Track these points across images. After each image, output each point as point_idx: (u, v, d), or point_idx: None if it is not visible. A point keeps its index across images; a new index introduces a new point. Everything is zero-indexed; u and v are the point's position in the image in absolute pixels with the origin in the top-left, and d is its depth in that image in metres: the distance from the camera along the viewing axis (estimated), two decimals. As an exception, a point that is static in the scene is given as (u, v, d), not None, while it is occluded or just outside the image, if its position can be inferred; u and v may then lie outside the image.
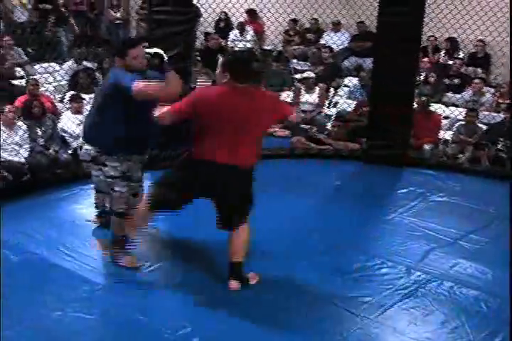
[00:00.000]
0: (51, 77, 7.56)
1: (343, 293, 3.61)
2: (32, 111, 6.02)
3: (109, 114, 3.60)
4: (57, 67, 7.88)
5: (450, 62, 8.56)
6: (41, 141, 5.98)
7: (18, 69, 8.22)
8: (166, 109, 3.36)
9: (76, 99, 6.42)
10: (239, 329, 3.30)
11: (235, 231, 3.58)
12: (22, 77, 8.05)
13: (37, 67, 8.20)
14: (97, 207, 4.28)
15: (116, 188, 3.73)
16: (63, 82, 7.74)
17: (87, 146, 3.82)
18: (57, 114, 6.53)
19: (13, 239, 4.20)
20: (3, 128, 5.68)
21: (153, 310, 3.47)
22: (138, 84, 3.35)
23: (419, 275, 3.82)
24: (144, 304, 3.52)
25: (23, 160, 5.64)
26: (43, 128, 6.03)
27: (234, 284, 3.62)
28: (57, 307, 3.45)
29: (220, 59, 3.54)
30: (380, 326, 3.32)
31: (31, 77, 7.84)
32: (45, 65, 7.68)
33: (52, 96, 7.04)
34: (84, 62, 8.31)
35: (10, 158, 5.58)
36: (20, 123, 5.90)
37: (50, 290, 3.63)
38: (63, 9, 10.54)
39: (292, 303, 3.52)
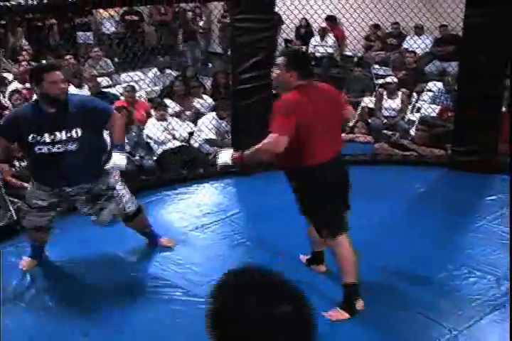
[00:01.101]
0: (137, 85, 7.78)
1: (430, 303, 3.52)
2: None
3: None
4: (143, 76, 8.11)
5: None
6: (127, 148, 6.15)
7: (106, 78, 8.55)
8: (268, 138, 3.07)
9: (160, 107, 6.58)
10: (331, 331, 3.28)
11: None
12: (109, 86, 8.35)
13: (123, 76, 8.48)
14: None
15: None
16: (148, 89, 7.98)
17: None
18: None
19: (104, 242, 4.34)
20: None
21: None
22: None
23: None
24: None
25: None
26: (128, 136, 6.21)
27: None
28: (147, 309, 3.54)
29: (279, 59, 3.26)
30: (469, 339, 3.21)
31: (118, 85, 8.13)
32: (132, 73, 7.93)
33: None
34: (168, 71, 8.53)
35: (98, 163, 5.78)
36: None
37: (137, 292, 3.74)
38: (192, 24, 10.88)
39: (377, 311, 3.46)
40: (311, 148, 3.18)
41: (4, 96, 7.53)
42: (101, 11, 10.62)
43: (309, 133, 3.14)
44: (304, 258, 3.96)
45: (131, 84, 7.36)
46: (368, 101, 7.42)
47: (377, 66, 8.93)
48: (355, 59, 9.23)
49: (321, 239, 3.51)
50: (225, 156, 3.27)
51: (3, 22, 9.98)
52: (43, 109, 3.48)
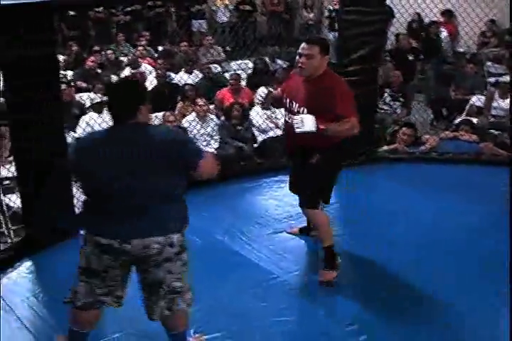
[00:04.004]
0: (244, 73, 7.96)
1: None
2: (231, 114, 6.40)
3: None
4: (250, 65, 8.28)
5: None
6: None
7: (215, 65, 8.79)
8: (353, 122, 3.41)
9: (267, 96, 6.72)
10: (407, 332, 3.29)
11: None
12: (218, 73, 8.59)
13: (233, 63, 8.70)
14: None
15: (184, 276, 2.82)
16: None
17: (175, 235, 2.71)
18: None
19: (199, 225, 4.46)
20: (196, 119, 6.14)
21: (322, 306, 3.55)
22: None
23: None
24: (315, 300, 3.61)
25: (213, 150, 6.01)
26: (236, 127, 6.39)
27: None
28: (234, 293, 3.64)
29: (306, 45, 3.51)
30: None
31: (228, 73, 8.34)
32: (241, 61, 8.12)
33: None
34: (279, 61, 8.66)
35: (201, 148, 5.99)
36: (212, 116, 6.33)
37: (228, 276, 3.83)
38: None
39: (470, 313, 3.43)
40: None
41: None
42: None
43: None
44: (295, 229, 4.35)
45: (238, 72, 7.54)
46: (476, 100, 7.19)
47: (489, 63, 8.62)
48: (468, 55, 8.95)
49: None
50: (310, 123, 3.33)
51: (128, 9, 10.51)
52: None
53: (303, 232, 4.31)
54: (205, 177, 2.75)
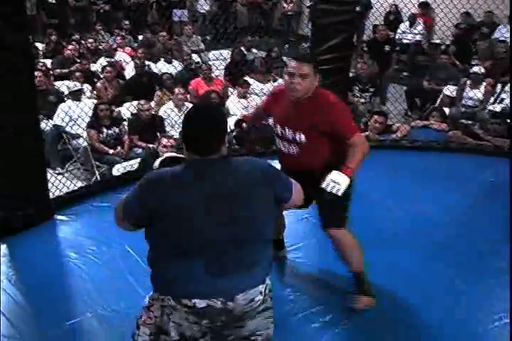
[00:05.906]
0: (223, 63, 8.03)
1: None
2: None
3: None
4: (225, 54, 8.37)
5: None
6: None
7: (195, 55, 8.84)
8: (362, 141, 3.07)
9: (243, 84, 6.80)
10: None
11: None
12: (197, 63, 8.65)
13: (211, 53, 8.76)
14: None
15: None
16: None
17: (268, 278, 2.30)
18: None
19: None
20: (173, 108, 6.21)
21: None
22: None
23: None
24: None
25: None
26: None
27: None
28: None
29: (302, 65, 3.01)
30: None
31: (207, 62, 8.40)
32: (219, 52, 8.19)
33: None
34: (254, 50, 8.72)
35: (177, 136, 6.07)
36: (189, 104, 6.39)
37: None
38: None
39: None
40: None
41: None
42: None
43: None
44: None
45: (212, 62, 7.62)
46: (450, 89, 7.32)
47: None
48: (443, 47, 9.07)
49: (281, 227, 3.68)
50: (341, 178, 2.95)
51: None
52: None
53: None
54: (290, 208, 2.52)
